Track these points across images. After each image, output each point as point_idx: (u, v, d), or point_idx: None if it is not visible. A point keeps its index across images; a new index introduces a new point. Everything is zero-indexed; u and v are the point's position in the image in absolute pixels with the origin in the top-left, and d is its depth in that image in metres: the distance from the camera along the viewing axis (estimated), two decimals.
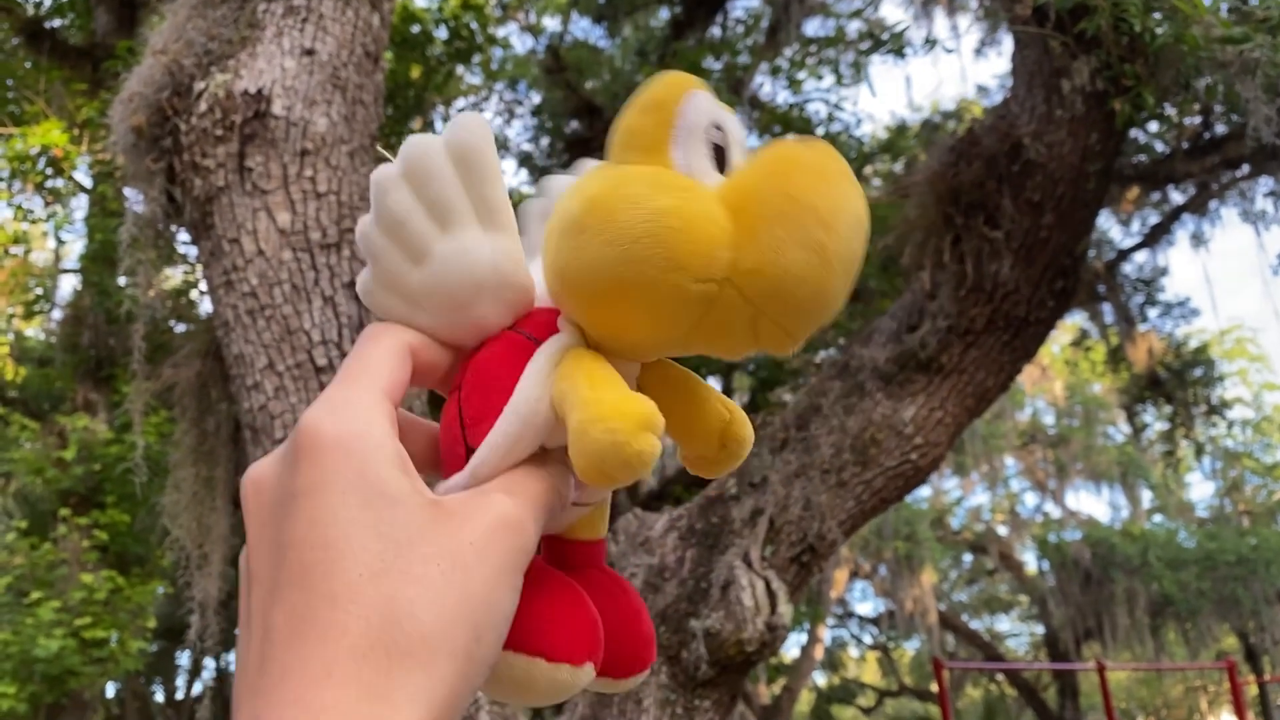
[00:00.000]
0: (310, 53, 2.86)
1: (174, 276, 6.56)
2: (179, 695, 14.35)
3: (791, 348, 0.40)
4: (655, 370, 0.46)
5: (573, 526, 0.47)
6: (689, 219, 0.37)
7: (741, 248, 0.37)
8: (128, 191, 3.00)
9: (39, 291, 8.84)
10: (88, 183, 7.44)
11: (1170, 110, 3.05)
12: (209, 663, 11.63)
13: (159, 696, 14.24)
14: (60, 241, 7.60)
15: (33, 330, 9.73)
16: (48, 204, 7.23)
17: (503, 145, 8.61)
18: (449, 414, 0.44)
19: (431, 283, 0.43)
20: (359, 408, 0.38)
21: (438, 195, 0.42)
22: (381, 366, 0.41)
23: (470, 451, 0.41)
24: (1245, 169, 6.38)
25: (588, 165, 0.46)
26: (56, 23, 7.50)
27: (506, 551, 0.37)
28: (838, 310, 0.39)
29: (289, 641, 0.33)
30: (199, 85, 2.78)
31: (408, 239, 0.43)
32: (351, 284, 2.64)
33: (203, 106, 2.75)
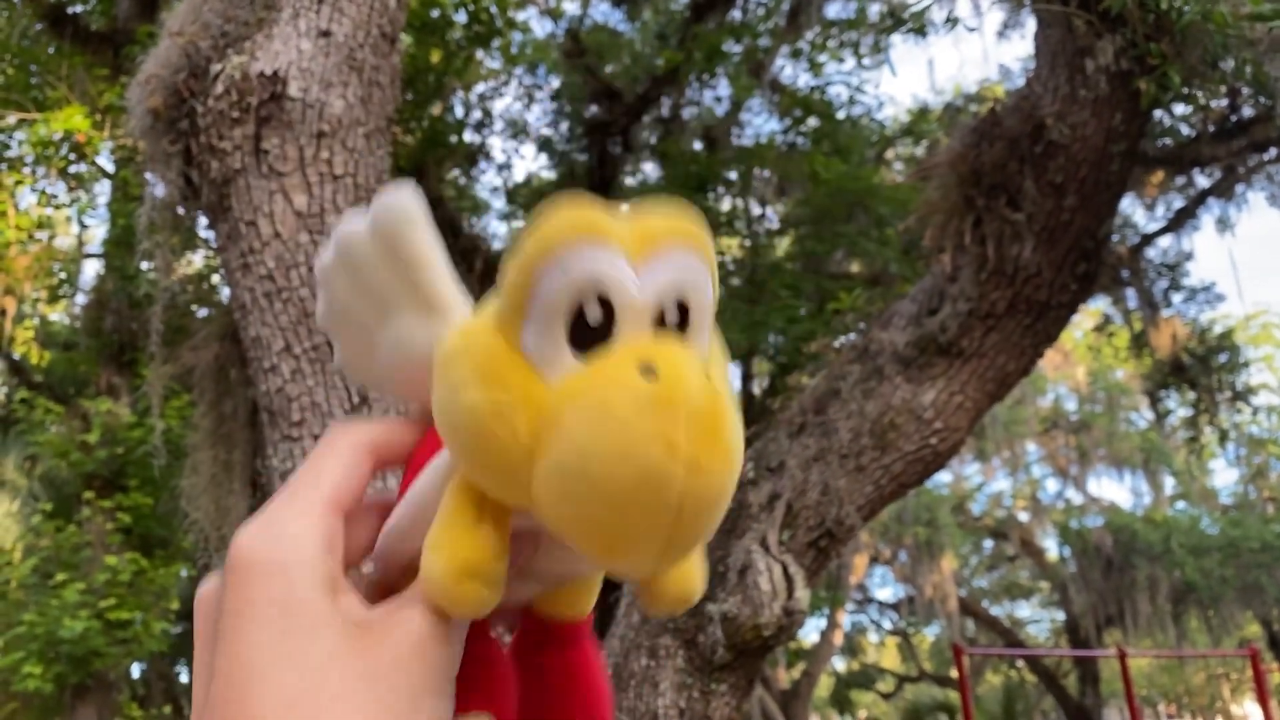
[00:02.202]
0: (326, 34, 2.85)
1: (195, 261, 6.59)
2: None
3: None
4: None
5: (546, 601, 0.44)
6: (484, 430, 0.33)
7: (534, 482, 0.33)
8: (147, 175, 3.01)
9: (63, 276, 8.91)
10: (110, 168, 7.48)
11: (1197, 91, 3.00)
12: None
13: (184, 677, 14.42)
14: (83, 226, 7.68)
15: (57, 315, 9.82)
16: (71, 189, 7.28)
17: (522, 130, 8.59)
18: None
19: (383, 371, 0.42)
20: (293, 527, 0.37)
21: (370, 285, 0.40)
22: (331, 475, 0.39)
23: None
24: (1273, 152, 6.29)
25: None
26: (78, 8, 7.52)
27: (428, 667, 0.36)
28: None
29: None
30: (215, 67, 2.78)
31: (355, 330, 0.41)
32: None
33: (219, 88, 2.75)
